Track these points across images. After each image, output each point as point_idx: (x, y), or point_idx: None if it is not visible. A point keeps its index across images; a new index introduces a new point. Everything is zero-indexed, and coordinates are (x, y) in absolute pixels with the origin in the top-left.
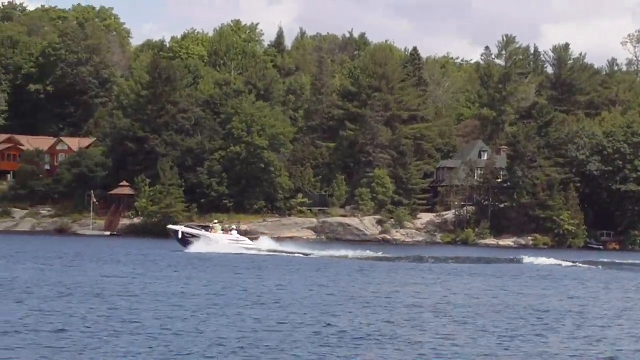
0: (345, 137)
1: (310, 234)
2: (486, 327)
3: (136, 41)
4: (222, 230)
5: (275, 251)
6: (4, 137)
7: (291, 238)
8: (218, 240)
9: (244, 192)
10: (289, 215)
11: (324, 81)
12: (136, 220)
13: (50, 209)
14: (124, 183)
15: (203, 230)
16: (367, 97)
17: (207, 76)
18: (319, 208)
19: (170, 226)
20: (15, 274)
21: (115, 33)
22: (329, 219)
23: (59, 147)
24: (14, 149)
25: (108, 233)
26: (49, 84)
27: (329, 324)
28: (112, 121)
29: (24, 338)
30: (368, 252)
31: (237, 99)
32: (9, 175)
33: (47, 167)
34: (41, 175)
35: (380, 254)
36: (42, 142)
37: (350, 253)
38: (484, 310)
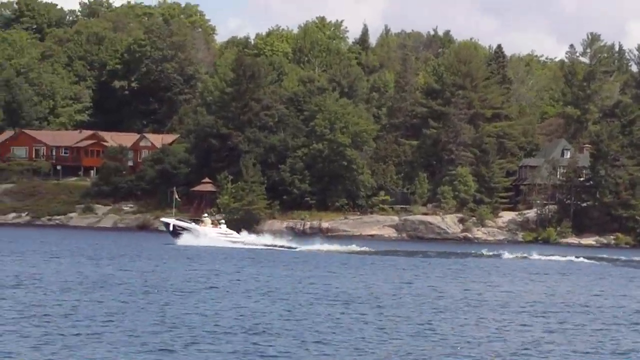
0: (428, 135)
1: (392, 232)
2: None
3: (221, 38)
4: (212, 223)
5: (258, 244)
6: (87, 133)
7: (372, 236)
8: (206, 232)
9: (325, 189)
10: (371, 212)
11: (408, 79)
12: (218, 217)
13: (132, 205)
14: (207, 180)
15: (193, 224)
16: (451, 94)
17: (291, 73)
18: (401, 206)
19: (162, 219)
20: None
21: (200, 30)
22: (411, 217)
23: (142, 144)
24: (98, 145)
25: None
26: (133, 81)
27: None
28: (196, 118)
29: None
30: (353, 246)
31: (320, 96)
32: (92, 172)
33: (130, 163)
34: (124, 172)
35: (364, 248)
36: (126, 139)
37: (333, 247)
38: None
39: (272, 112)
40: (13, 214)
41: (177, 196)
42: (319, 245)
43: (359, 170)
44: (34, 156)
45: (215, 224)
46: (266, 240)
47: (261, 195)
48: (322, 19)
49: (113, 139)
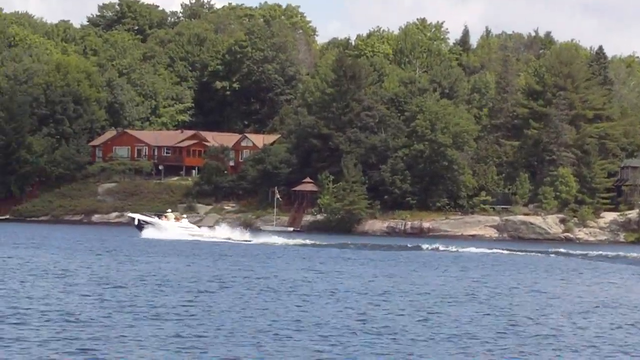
0: (529, 136)
1: (493, 232)
2: None
3: (322, 39)
4: (175, 218)
5: (217, 238)
6: (189, 133)
7: (473, 236)
8: (167, 226)
9: (426, 189)
10: (472, 213)
11: (509, 79)
12: (319, 217)
13: (234, 205)
14: (308, 180)
15: (156, 218)
16: (552, 95)
17: (391, 74)
18: (502, 206)
19: (129, 214)
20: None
21: (301, 31)
22: (512, 217)
23: (243, 144)
24: (199, 145)
25: (291, 229)
26: (234, 81)
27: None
28: (297, 118)
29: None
30: (299, 239)
31: (421, 97)
32: (194, 171)
33: (232, 163)
34: (226, 171)
35: (307, 241)
36: (227, 139)
37: (281, 240)
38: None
39: (373, 112)
40: (115, 213)
41: (278, 196)
42: (275, 239)
43: (460, 171)
44: (136, 156)
45: (178, 218)
46: (224, 234)
47: (362, 195)
48: (423, 20)
49: (214, 139)
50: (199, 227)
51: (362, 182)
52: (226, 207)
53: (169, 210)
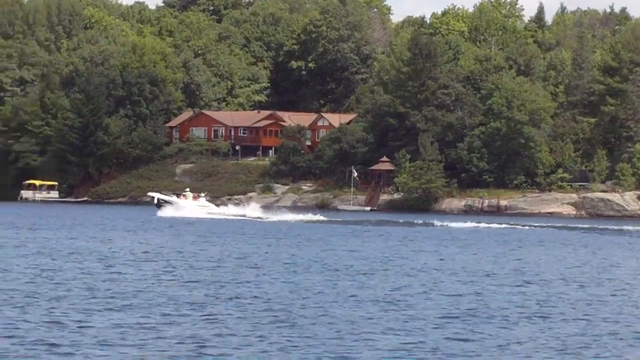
0: (606, 112)
1: (571, 209)
2: None
3: (397, 17)
4: (192, 197)
5: (236, 215)
6: (265, 113)
7: (550, 213)
8: (185, 205)
9: (503, 167)
10: (549, 190)
11: (585, 56)
12: (396, 196)
13: (311, 185)
14: (384, 159)
15: (174, 197)
16: (629, 71)
17: (467, 52)
18: (579, 183)
19: (149, 193)
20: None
21: (376, 9)
22: (589, 195)
23: (319, 123)
24: (276, 125)
25: (368, 208)
26: (310, 61)
27: None
28: (373, 97)
29: None
30: (318, 215)
31: (497, 74)
32: (270, 151)
33: (308, 143)
34: (302, 151)
35: (320, 217)
36: (303, 118)
37: (298, 217)
38: None
39: (449, 90)
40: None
41: (355, 175)
42: (286, 216)
43: (536, 148)
44: (212, 137)
45: (195, 197)
46: (240, 211)
47: (439, 173)
48: None
49: (291, 118)
50: (218, 206)
51: (438, 161)
52: (303, 187)
53: (187, 189)
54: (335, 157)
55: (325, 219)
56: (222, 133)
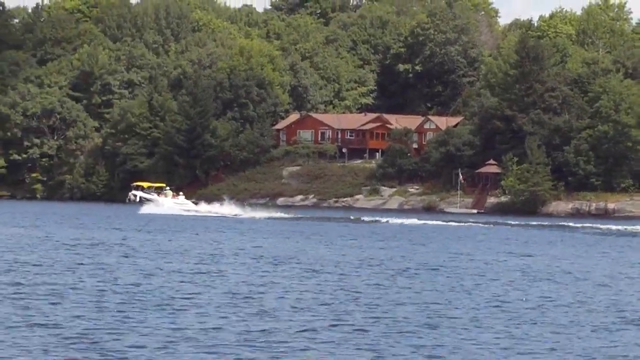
0: None
1: None
2: None
3: (504, 20)
4: (172, 195)
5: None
6: (372, 116)
7: None
8: (164, 202)
9: (611, 170)
10: None
11: None
12: (503, 199)
13: (417, 187)
14: (491, 161)
15: (155, 195)
16: None
17: (574, 55)
18: None
19: (132, 192)
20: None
21: (483, 12)
22: None
23: (426, 126)
24: (382, 127)
25: (475, 211)
26: (417, 63)
27: None
28: (480, 100)
29: None
30: (279, 213)
31: (604, 78)
32: (377, 154)
33: (415, 145)
34: (409, 154)
35: (286, 215)
36: (410, 121)
37: (265, 214)
38: None
39: (557, 93)
40: (300, 197)
41: (461, 178)
42: (263, 213)
43: None
44: (319, 139)
45: (175, 195)
46: (217, 209)
47: (546, 176)
48: (606, 0)
49: (397, 121)
50: (196, 204)
51: (545, 164)
52: (410, 190)
53: (168, 188)
54: (442, 160)
55: (289, 215)
56: (329, 136)
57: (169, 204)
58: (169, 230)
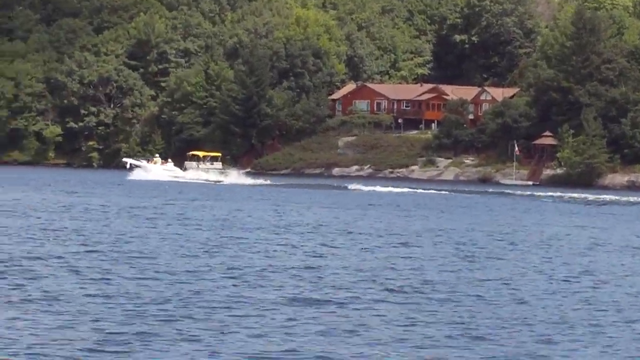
0: None
1: None
2: None
3: None
4: (161, 162)
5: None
6: (428, 86)
7: None
8: (153, 169)
9: None
10: None
11: None
12: (559, 171)
13: (473, 159)
14: (547, 133)
15: (144, 162)
16: None
17: (631, 27)
18: None
19: (124, 159)
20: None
21: None
22: None
23: (482, 97)
24: (438, 98)
25: (530, 183)
26: (473, 34)
27: None
28: (536, 71)
29: None
30: (261, 180)
31: None
32: (433, 125)
33: (471, 116)
34: (465, 125)
35: (268, 182)
36: (466, 92)
37: (249, 181)
38: None
39: (613, 65)
40: (355, 167)
41: (517, 150)
42: (243, 179)
43: None
44: (375, 109)
45: (164, 162)
46: (202, 176)
47: (602, 149)
48: None
49: (453, 92)
50: (183, 170)
51: (602, 136)
52: (465, 161)
53: (157, 155)
54: (498, 131)
55: (270, 183)
56: (384, 106)
57: (158, 170)
58: (229, 200)
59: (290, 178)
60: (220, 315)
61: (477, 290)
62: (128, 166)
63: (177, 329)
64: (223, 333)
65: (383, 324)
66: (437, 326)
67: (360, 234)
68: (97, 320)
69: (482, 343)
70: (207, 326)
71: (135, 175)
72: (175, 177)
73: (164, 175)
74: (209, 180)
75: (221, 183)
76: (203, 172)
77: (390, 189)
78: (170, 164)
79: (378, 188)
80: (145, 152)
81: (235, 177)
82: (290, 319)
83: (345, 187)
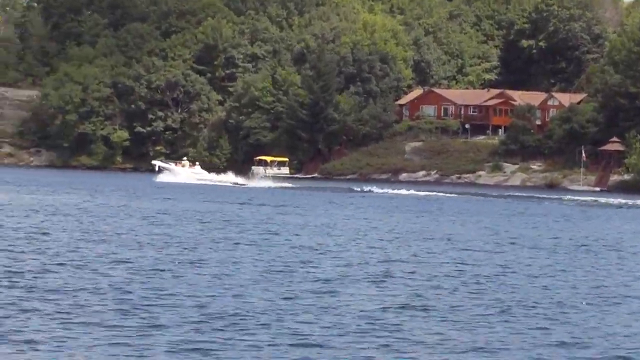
0: None
1: None
2: None
3: None
4: (189, 165)
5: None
6: (495, 92)
7: None
8: (180, 172)
9: None
10: None
11: None
12: (626, 177)
13: (540, 164)
14: (615, 139)
15: (172, 164)
16: None
17: None
18: None
19: (153, 161)
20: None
21: None
22: None
23: (549, 103)
24: (506, 103)
25: (598, 189)
26: (540, 40)
27: None
28: (604, 77)
29: None
30: (286, 183)
31: None
32: (500, 130)
33: (538, 122)
34: (532, 130)
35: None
36: (533, 97)
37: (282, 184)
38: None
39: None
40: (422, 172)
41: (584, 155)
42: (264, 182)
43: None
44: (442, 115)
45: (192, 165)
46: (227, 178)
47: None
48: None
49: (521, 97)
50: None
51: None
52: (532, 167)
53: (184, 158)
54: (565, 137)
55: (291, 185)
56: (451, 111)
57: (185, 173)
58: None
59: (314, 181)
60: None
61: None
62: (157, 169)
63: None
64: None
65: None
66: None
67: (459, 241)
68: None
69: None
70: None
71: (163, 177)
72: (203, 179)
73: (191, 178)
74: (233, 183)
75: (244, 186)
76: (230, 175)
77: (411, 191)
78: (197, 167)
79: (390, 191)
80: (212, 156)
81: (258, 180)
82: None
83: (369, 190)
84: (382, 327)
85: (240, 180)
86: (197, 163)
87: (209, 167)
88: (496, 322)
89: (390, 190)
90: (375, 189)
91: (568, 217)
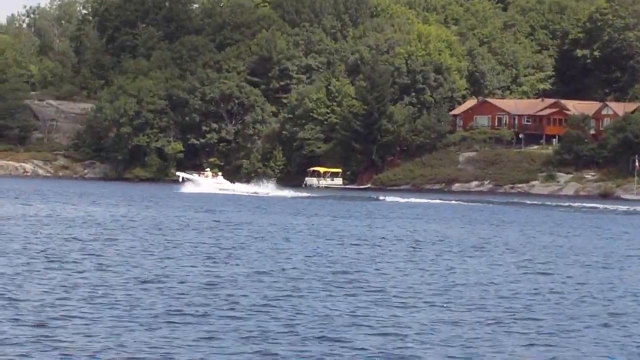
0: None
1: None
2: None
3: None
4: (212, 175)
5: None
6: (549, 101)
7: None
8: (202, 182)
9: None
10: None
11: None
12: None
13: (594, 174)
14: None
15: (195, 175)
16: None
17: None
18: None
19: (177, 172)
20: None
21: None
22: None
23: (604, 112)
24: (560, 113)
25: None
26: (595, 49)
27: None
28: None
29: None
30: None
31: None
32: (554, 140)
33: (592, 131)
34: (586, 140)
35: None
36: (588, 107)
37: (298, 193)
38: None
39: None
40: (475, 182)
41: (638, 165)
42: (287, 192)
43: None
44: (496, 125)
45: (215, 175)
46: (248, 189)
47: None
48: None
49: (575, 107)
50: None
51: None
52: (586, 176)
53: (208, 169)
54: (620, 146)
55: (309, 194)
56: (505, 121)
57: (208, 183)
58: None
59: (336, 191)
60: None
61: None
62: (181, 179)
63: None
64: None
65: None
66: None
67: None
68: None
69: None
70: None
71: (187, 188)
72: (226, 190)
73: (214, 188)
74: (257, 193)
75: (269, 194)
76: (250, 185)
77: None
78: (220, 177)
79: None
80: (266, 168)
81: (270, 189)
82: None
83: (380, 199)
84: None
85: (267, 189)
86: (220, 173)
87: (230, 177)
88: None
89: (400, 199)
90: (388, 198)
91: None
